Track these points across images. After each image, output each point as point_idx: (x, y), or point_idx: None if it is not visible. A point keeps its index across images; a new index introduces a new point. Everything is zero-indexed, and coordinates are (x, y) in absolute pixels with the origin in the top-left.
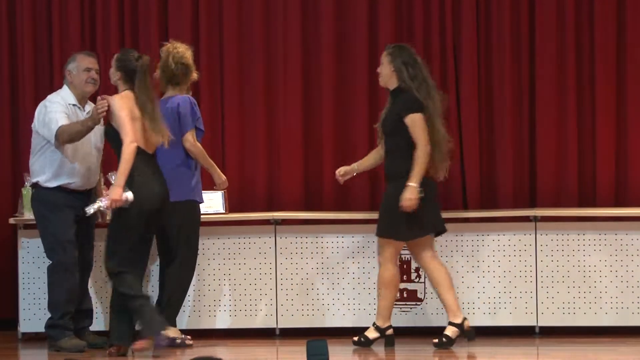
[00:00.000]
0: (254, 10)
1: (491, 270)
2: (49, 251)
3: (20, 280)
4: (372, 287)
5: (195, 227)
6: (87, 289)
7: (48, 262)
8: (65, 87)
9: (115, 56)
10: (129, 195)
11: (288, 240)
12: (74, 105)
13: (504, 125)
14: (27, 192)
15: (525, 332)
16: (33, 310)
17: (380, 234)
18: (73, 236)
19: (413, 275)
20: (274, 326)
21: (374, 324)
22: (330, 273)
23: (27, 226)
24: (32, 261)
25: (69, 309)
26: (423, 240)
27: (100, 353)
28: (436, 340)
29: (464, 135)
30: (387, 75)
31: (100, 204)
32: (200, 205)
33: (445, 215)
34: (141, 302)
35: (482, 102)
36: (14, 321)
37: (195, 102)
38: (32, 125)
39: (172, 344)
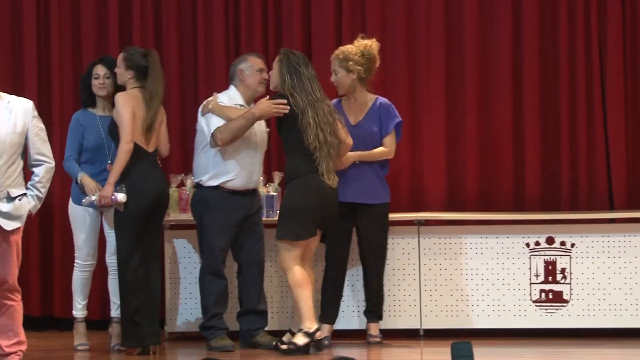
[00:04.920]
0: (397, 9)
1: (639, 272)
2: (201, 253)
3: (166, 281)
4: (516, 288)
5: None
6: (262, 289)
7: (193, 262)
8: (232, 88)
9: (123, 55)
10: (120, 196)
11: (432, 241)
12: (241, 105)
13: None
14: (172, 192)
15: None
16: (179, 310)
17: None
18: (225, 241)
19: (559, 277)
20: (418, 327)
21: (300, 329)
22: (474, 274)
23: (173, 226)
24: (178, 261)
25: (216, 310)
26: (306, 243)
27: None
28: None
29: (609, 135)
30: (275, 80)
31: (93, 197)
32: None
33: (590, 216)
34: (134, 307)
35: (629, 100)
36: (161, 321)
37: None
38: (197, 124)
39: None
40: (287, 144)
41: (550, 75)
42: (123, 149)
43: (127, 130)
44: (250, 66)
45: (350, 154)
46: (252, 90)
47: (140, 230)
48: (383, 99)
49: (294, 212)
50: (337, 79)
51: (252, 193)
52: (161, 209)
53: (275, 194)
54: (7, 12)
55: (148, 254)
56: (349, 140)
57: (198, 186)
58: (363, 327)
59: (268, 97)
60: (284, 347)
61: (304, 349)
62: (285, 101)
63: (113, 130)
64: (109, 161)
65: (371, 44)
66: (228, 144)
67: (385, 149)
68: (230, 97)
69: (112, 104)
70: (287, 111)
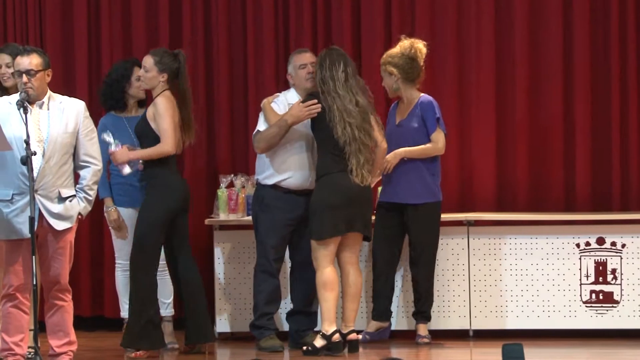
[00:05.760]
0: (446, 6)
1: None
2: (257, 250)
3: (216, 281)
4: (567, 289)
5: None
6: (315, 291)
7: (242, 263)
8: (292, 89)
9: (154, 59)
10: (126, 170)
11: (481, 242)
12: None
13: None
14: (222, 193)
15: None
16: (229, 311)
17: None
18: (278, 240)
19: (609, 277)
20: (468, 327)
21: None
22: (524, 275)
23: (223, 227)
24: (227, 262)
25: (266, 310)
26: (344, 241)
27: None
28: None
29: None
30: (316, 77)
31: (112, 142)
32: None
33: None
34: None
35: None
36: (212, 321)
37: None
38: None
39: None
40: (318, 143)
41: (601, 75)
42: (164, 150)
43: (172, 135)
44: (293, 67)
45: (397, 150)
46: (301, 89)
47: (165, 233)
48: (425, 97)
49: (317, 210)
50: (384, 83)
51: (307, 195)
52: (187, 208)
53: None
54: (59, 13)
55: (179, 253)
56: (384, 145)
57: (257, 184)
58: (413, 327)
59: (300, 100)
60: (304, 348)
61: (320, 351)
62: (316, 101)
63: (144, 129)
64: (140, 161)
65: (412, 44)
66: (265, 151)
67: (430, 145)
68: (287, 98)
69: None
70: (319, 110)
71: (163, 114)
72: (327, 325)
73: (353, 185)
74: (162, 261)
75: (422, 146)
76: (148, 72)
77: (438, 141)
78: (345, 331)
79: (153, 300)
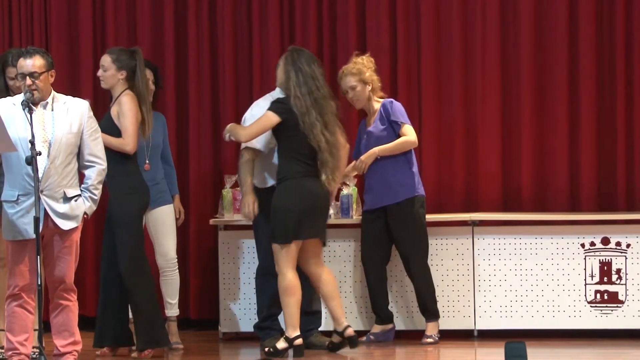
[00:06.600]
0: (452, 8)
1: None
2: (257, 253)
3: (221, 281)
4: (571, 289)
5: None
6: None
7: (247, 263)
8: (277, 90)
9: (111, 57)
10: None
11: (486, 242)
12: None
13: None
14: (227, 193)
15: None
16: (233, 311)
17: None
18: None
19: (614, 277)
20: (472, 327)
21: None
22: (528, 275)
23: (227, 227)
24: (232, 262)
25: (270, 312)
26: (305, 246)
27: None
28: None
29: None
30: (280, 77)
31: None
32: None
33: None
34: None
35: None
36: (217, 321)
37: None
38: None
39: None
40: (284, 147)
41: (607, 74)
42: (125, 148)
43: (133, 135)
44: None
45: (372, 149)
46: None
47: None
48: (385, 100)
49: (282, 212)
50: (356, 94)
51: None
52: None
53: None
54: (65, 15)
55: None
56: (348, 145)
57: (255, 189)
58: (417, 327)
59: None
60: (266, 349)
61: (282, 353)
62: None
63: (109, 128)
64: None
65: (369, 57)
66: None
67: (402, 139)
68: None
69: None
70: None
71: (127, 113)
72: (291, 330)
73: (320, 192)
74: (168, 261)
75: (395, 142)
76: (107, 71)
77: (409, 133)
78: (340, 329)
79: (155, 299)
